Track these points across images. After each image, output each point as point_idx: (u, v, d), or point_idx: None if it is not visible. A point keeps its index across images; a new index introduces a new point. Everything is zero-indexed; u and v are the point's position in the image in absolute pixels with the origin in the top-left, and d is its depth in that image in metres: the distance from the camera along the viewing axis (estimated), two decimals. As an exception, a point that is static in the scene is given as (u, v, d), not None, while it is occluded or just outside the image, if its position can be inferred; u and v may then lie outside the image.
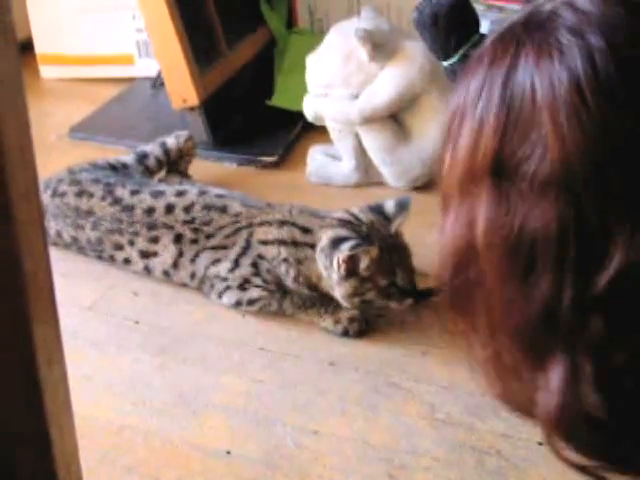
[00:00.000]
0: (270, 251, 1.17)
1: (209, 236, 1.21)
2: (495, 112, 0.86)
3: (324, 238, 1.13)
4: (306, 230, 1.16)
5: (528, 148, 0.84)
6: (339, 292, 1.12)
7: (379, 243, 1.11)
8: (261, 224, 1.19)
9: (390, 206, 1.15)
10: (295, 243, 1.16)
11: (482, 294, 0.91)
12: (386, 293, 1.11)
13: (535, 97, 0.84)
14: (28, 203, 0.54)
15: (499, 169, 0.86)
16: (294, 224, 1.17)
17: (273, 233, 1.17)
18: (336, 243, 1.11)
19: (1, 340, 0.55)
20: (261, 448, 0.97)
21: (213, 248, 1.20)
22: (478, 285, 0.91)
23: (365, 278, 1.10)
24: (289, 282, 1.16)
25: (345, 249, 1.09)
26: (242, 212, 1.21)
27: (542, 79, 0.83)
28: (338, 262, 1.09)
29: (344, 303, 1.13)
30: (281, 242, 1.16)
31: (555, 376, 0.86)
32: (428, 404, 1.02)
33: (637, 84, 0.83)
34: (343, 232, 1.12)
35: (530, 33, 0.86)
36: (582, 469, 0.89)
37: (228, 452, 0.97)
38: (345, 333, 1.14)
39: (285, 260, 1.16)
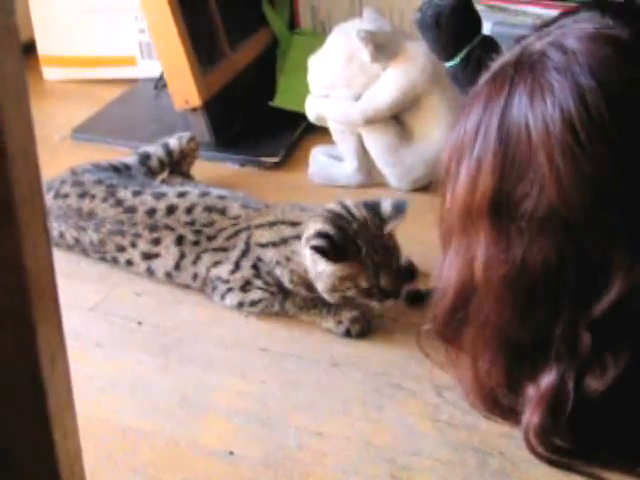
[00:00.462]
0: (266, 254, 1.17)
1: (210, 238, 1.21)
2: (492, 152, 0.87)
3: (311, 228, 1.12)
4: (295, 224, 1.16)
5: (526, 186, 0.84)
6: (318, 285, 1.12)
7: (365, 246, 1.09)
8: (257, 227, 1.19)
9: (386, 207, 1.14)
10: (284, 240, 1.15)
11: (476, 323, 0.92)
12: (368, 293, 1.11)
13: (530, 136, 0.84)
14: (31, 204, 0.54)
15: (497, 207, 0.87)
16: (283, 222, 1.17)
17: (265, 236, 1.17)
18: (317, 237, 1.10)
19: (4, 340, 0.55)
20: (264, 448, 0.97)
21: (214, 250, 1.20)
22: (474, 315, 0.92)
23: (344, 277, 1.10)
24: (286, 284, 1.16)
25: (312, 246, 1.09)
26: (241, 214, 1.21)
27: (536, 119, 0.84)
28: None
29: (325, 297, 1.13)
30: (273, 244, 1.16)
31: (543, 388, 0.88)
32: (431, 405, 1.02)
33: (628, 120, 0.83)
34: (330, 229, 1.11)
35: (521, 74, 0.86)
36: (559, 465, 0.90)
37: (231, 453, 0.97)
38: (347, 334, 1.14)
39: (278, 263, 1.15)
